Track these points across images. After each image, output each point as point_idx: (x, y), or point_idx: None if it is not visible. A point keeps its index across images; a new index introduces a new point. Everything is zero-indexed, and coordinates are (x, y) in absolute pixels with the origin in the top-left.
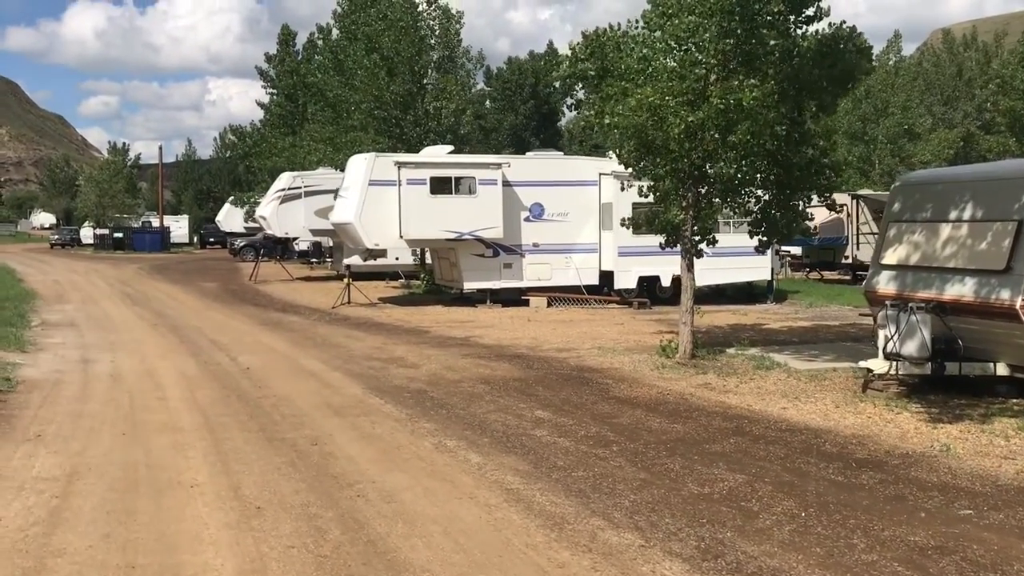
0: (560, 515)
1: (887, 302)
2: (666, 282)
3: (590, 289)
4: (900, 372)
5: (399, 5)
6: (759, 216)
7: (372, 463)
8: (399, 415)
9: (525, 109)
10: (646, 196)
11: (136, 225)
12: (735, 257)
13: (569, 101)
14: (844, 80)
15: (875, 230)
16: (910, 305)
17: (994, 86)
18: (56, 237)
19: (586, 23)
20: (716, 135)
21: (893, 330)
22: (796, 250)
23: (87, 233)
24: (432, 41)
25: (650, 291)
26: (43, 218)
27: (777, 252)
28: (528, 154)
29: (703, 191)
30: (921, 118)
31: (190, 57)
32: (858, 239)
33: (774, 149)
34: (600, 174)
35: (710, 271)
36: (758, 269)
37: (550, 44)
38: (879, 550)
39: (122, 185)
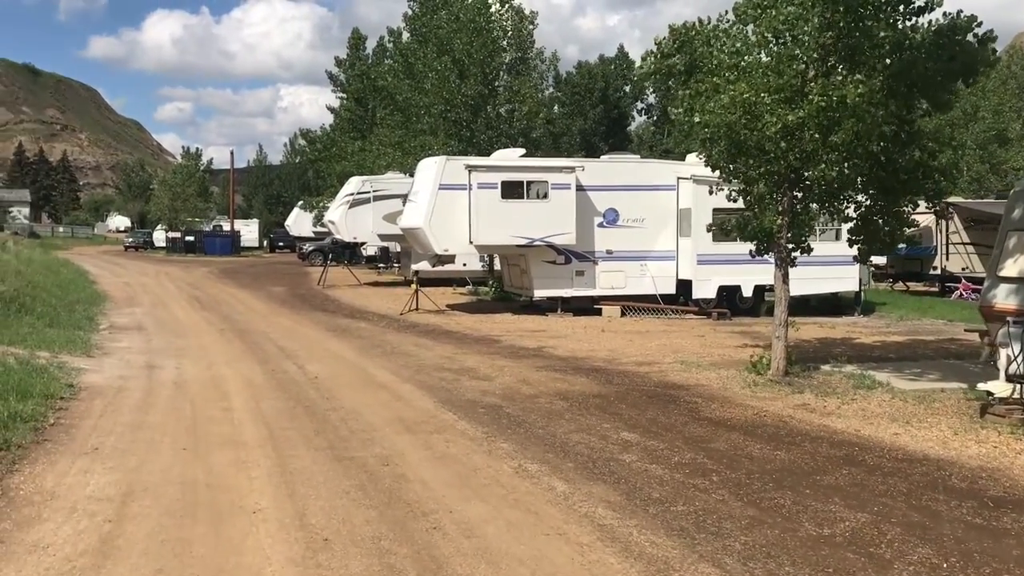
0: (663, 559)
1: (1008, 318)
2: (748, 292)
3: (666, 298)
4: None
5: (472, 7)
6: (860, 223)
7: (448, 488)
8: (474, 433)
9: (594, 114)
10: (735, 200)
11: (207, 229)
12: (822, 267)
13: (640, 105)
14: (965, 74)
15: (966, 239)
16: None
17: None
18: (130, 240)
19: (655, 28)
20: (816, 135)
21: (1017, 349)
22: (880, 260)
23: (160, 236)
24: (504, 43)
25: (729, 301)
26: (118, 221)
27: (864, 261)
28: (602, 157)
29: (799, 195)
30: (1013, 123)
31: (263, 64)
32: (947, 249)
33: (879, 151)
34: (678, 178)
35: (796, 281)
36: (846, 279)
37: (620, 48)
38: None
39: (194, 189)
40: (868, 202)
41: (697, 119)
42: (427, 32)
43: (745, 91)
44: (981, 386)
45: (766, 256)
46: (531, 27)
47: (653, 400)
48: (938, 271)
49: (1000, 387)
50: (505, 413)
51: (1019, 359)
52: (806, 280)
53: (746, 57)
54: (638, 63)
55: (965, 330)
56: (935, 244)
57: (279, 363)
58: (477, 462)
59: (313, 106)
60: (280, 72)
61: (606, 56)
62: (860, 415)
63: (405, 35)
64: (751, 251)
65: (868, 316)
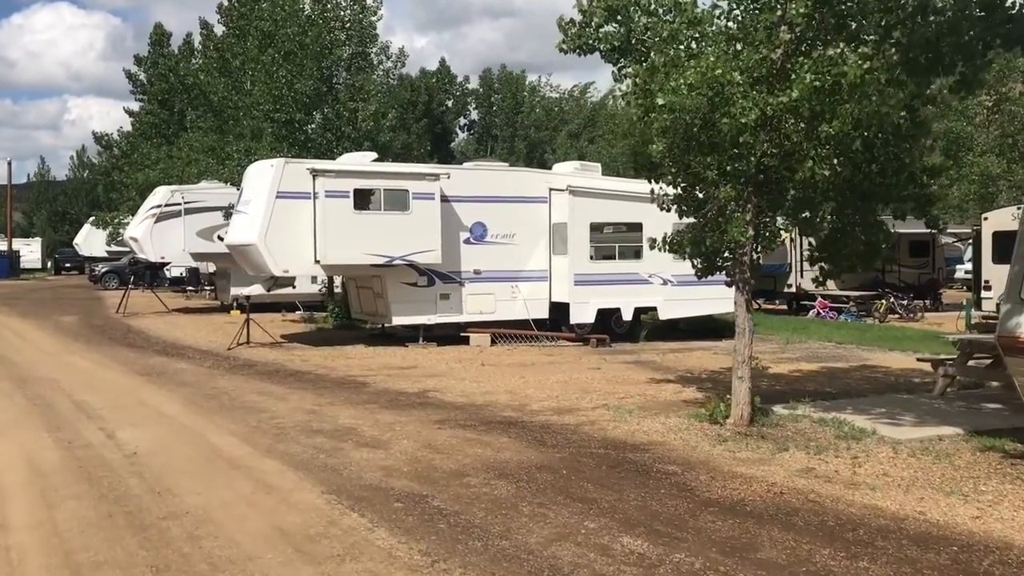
0: None
1: None
2: (627, 315)
3: (538, 324)
4: None
5: None
6: (834, 236)
7: None
8: (409, 555)
9: (418, 128)
10: (667, 210)
11: None
12: (704, 287)
13: (462, 121)
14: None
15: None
16: None
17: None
18: None
19: (461, 51)
20: (802, 124)
21: None
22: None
23: None
24: (343, 35)
25: (605, 325)
26: None
27: (824, 283)
28: (467, 164)
29: (765, 201)
30: None
31: (48, 73)
32: (802, 266)
33: (861, 147)
34: (551, 189)
35: (676, 303)
36: (727, 300)
37: (442, 61)
38: None
39: None
40: (835, 210)
41: (661, 101)
42: (247, 24)
43: (716, 66)
44: None
45: (709, 277)
46: (373, 18)
47: (617, 472)
48: (793, 289)
49: None
50: (435, 508)
51: None
52: (687, 302)
53: (708, 27)
54: (558, 35)
55: (918, 359)
56: (789, 261)
57: (78, 430)
58: None
59: (105, 119)
60: (68, 83)
61: (428, 69)
62: (891, 483)
63: (219, 29)
64: (697, 273)
65: None
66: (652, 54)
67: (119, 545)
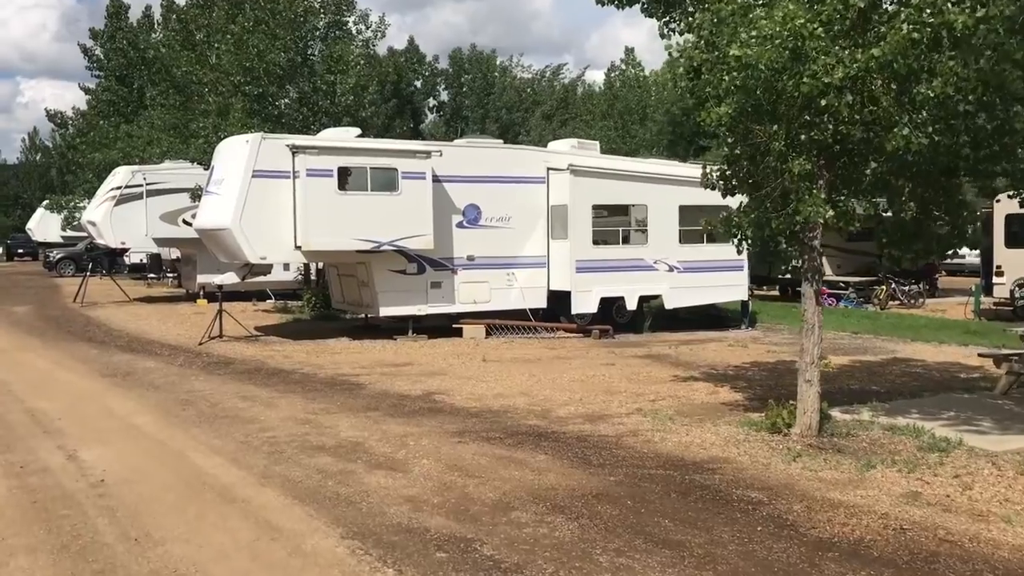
0: None
1: None
2: (631, 304)
3: (535, 313)
4: None
5: None
6: (913, 219)
7: None
8: None
9: (387, 108)
10: (712, 187)
11: None
12: (711, 273)
13: (432, 103)
14: None
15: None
16: None
17: None
18: None
19: (425, 34)
20: (893, 85)
21: None
22: None
23: None
24: (318, 4)
25: (605, 315)
26: None
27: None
28: (459, 141)
29: (837, 177)
30: None
31: None
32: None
33: (966, 111)
34: (548, 169)
35: (682, 291)
36: (735, 288)
37: (411, 40)
38: None
39: None
40: (910, 188)
41: (735, 52)
42: None
43: (798, 14)
44: None
45: (715, 264)
46: None
47: (691, 501)
48: (788, 275)
49: None
50: (489, 560)
51: None
52: (696, 289)
53: None
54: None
55: (979, 355)
56: None
57: (33, 449)
58: None
59: (59, 101)
60: (21, 64)
61: (395, 48)
62: (1022, 512)
63: (181, 0)
64: (745, 254)
65: (756, 329)
66: (707, 4)
67: None
